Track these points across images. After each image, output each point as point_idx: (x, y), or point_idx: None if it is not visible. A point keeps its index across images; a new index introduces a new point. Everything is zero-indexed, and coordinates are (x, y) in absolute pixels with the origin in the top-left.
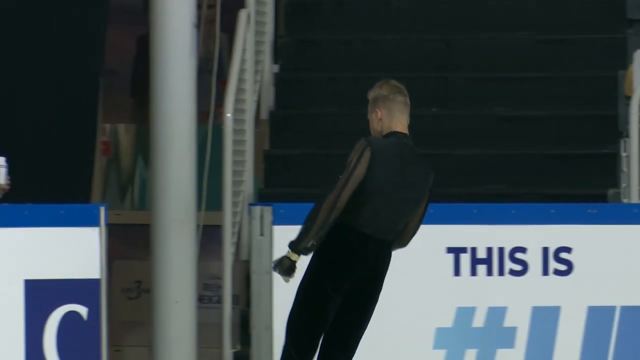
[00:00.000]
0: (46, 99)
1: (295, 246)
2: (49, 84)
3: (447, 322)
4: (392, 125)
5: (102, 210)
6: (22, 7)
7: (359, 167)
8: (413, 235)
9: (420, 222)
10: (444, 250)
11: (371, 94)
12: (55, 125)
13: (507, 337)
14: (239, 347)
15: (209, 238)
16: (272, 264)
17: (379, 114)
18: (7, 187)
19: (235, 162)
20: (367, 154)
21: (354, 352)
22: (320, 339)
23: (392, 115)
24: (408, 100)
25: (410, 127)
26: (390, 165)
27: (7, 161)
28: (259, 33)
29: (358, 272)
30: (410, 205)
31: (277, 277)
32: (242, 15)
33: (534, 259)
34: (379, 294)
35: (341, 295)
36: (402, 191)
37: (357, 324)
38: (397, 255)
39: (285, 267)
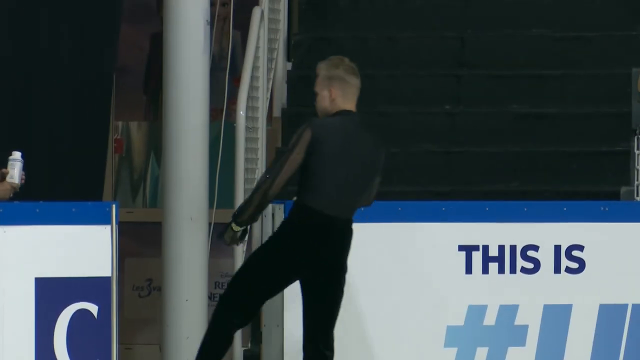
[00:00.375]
0: (59, 96)
1: (236, 219)
2: (62, 81)
3: (459, 320)
4: (342, 105)
5: (114, 208)
6: (37, 5)
7: (296, 150)
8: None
9: (372, 198)
10: (455, 248)
11: (324, 71)
12: (68, 122)
13: (518, 335)
14: (249, 345)
15: (220, 236)
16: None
17: (333, 93)
18: (17, 185)
19: (247, 160)
20: (307, 137)
21: (333, 336)
22: (255, 310)
23: (345, 97)
24: (360, 81)
25: (424, 124)
26: (336, 144)
27: (23, 157)
28: (272, 30)
29: (320, 254)
30: (363, 180)
31: None
32: (256, 12)
33: (545, 256)
34: (345, 272)
35: (297, 275)
36: (353, 167)
37: (331, 310)
38: (408, 252)
39: (230, 237)
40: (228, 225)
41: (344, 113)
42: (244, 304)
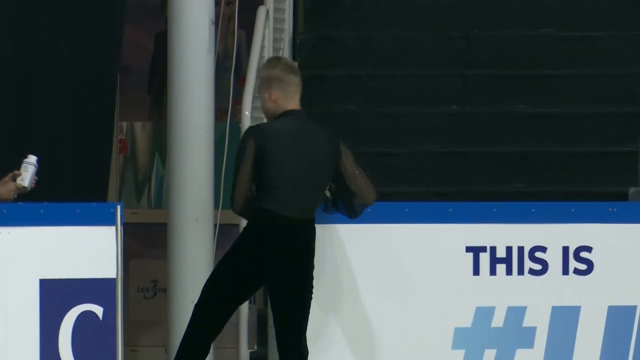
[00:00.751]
0: (61, 97)
1: None
2: (64, 81)
3: (466, 321)
4: (285, 106)
5: (119, 208)
6: (39, 4)
7: (243, 162)
8: (370, 190)
9: (362, 180)
10: (463, 249)
11: (262, 73)
12: (70, 123)
13: (526, 337)
14: (255, 347)
15: (226, 237)
16: None
17: (273, 95)
18: (25, 189)
19: None
20: (251, 145)
21: (305, 334)
22: (227, 315)
23: (286, 97)
24: (299, 78)
25: (430, 124)
26: (281, 146)
27: (38, 161)
28: (277, 30)
29: (281, 256)
30: (317, 179)
31: None
32: (261, 11)
33: (553, 258)
34: (311, 271)
35: (261, 278)
36: (303, 166)
37: (300, 311)
38: (415, 254)
39: None
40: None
41: (288, 113)
42: (215, 310)
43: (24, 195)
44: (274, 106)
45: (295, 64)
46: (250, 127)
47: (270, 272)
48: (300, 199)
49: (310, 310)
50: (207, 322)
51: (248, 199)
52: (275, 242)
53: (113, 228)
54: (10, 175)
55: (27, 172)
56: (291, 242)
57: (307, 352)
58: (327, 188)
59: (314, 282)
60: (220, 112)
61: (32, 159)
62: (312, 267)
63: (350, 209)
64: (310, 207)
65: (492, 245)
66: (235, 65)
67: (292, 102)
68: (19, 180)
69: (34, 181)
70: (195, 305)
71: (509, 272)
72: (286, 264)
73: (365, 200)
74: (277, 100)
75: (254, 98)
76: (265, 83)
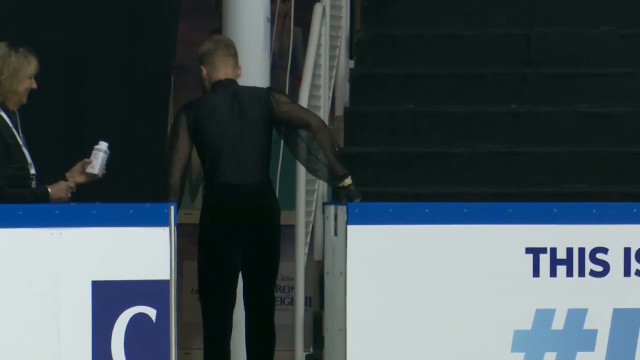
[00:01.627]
0: (117, 95)
1: None
2: (119, 80)
3: (526, 324)
4: (214, 78)
5: (172, 209)
6: (94, 4)
7: (175, 136)
8: (313, 116)
9: (301, 110)
10: (522, 250)
11: (198, 56)
12: (126, 122)
13: (587, 340)
14: (311, 350)
15: (282, 238)
16: None
17: (204, 71)
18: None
19: None
20: (183, 120)
21: (273, 305)
22: (228, 305)
23: (215, 68)
24: (233, 49)
25: (489, 124)
26: (217, 116)
27: (109, 148)
28: (334, 27)
29: (238, 222)
30: (255, 140)
31: (350, 279)
32: (317, 9)
33: (615, 259)
34: (275, 232)
35: (233, 251)
36: (240, 131)
37: (267, 273)
38: (473, 255)
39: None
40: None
41: (217, 84)
42: (214, 303)
43: (77, 195)
44: (208, 82)
45: (228, 39)
46: (182, 105)
47: (240, 242)
48: (246, 165)
49: (368, 314)
50: (218, 325)
51: (188, 175)
52: (232, 214)
53: (167, 229)
54: (80, 164)
55: (97, 159)
56: (246, 207)
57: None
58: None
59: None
60: None
61: (102, 145)
62: (275, 229)
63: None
64: (258, 169)
65: (553, 246)
66: (291, 63)
67: (222, 72)
68: (88, 169)
69: (105, 170)
70: (202, 314)
71: (569, 273)
72: (249, 230)
73: (314, 128)
74: (209, 74)
75: (311, 97)
76: (199, 63)
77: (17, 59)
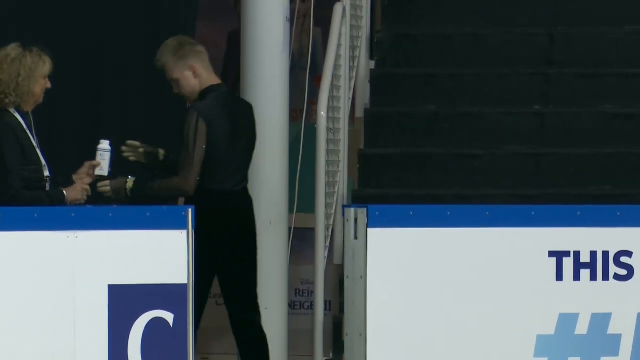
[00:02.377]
0: (134, 96)
1: (139, 187)
2: (137, 80)
3: (549, 328)
4: (209, 79)
5: (190, 212)
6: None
7: (198, 144)
8: None
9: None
10: (545, 254)
11: (171, 57)
12: (145, 122)
13: (611, 345)
14: (331, 355)
15: (301, 241)
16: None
17: (197, 69)
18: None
19: (328, 162)
20: (202, 127)
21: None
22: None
23: (207, 67)
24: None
25: (512, 125)
26: (224, 124)
27: (111, 144)
28: (354, 27)
29: (237, 230)
30: (250, 149)
31: (371, 283)
32: (337, 8)
33: None
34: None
35: (224, 256)
36: (242, 140)
37: (253, 277)
38: (496, 258)
39: (115, 190)
40: (124, 182)
41: (216, 88)
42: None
43: (93, 198)
44: (198, 82)
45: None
46: (195, 108)
47: (224, 247)
48: (241, 172)
49: (388, 318)
50: None
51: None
52: (226, 219)
53: (184, 232)
54: (87, 166)
55: (105, 159)
56: (242, 212)
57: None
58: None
59: None
60: (295, 113)
61: (105, 144)
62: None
63: None
64: (246, 176)
65: (576, 249)
66: (311, 64)
67: (213, 75)
68: (97, 171)
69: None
70: None
71: (593, 277)
72: (239, 237)
73: None
74: (202, 73)
75: (331, 98)
76: (180, 62)
77: (32, 59)
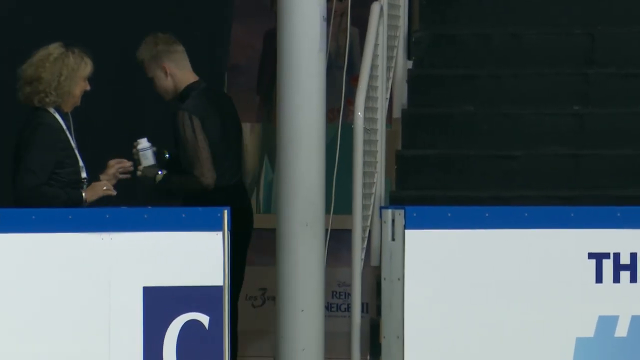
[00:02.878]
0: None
1: (163, 181)
2: None
3: (588, 331)
4: (184, 78)
5: (225, 213)
6: (146, 4)
7: (200, 137)
8: None
9: None
10: (585, 255)
11: (145, 54)
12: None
13: None
14: (368, 358)
15: (337, 243)
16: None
17: (168, 69)
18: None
19: (366, 163)
20: (198, 122)
21: None
22: None
23: (181, 67)
24: (182, 46)
25: (551, 125)
26: (214, 120)
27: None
28: (392, 27)
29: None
30: (239, 139)
31: (408, 285)
32: (375, 8)
33: None
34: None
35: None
36: (230, 132)
37: (242, 273)
38: (534, 260)
39: (145, 174)
40: (155, 172)
41: (195, 87)
42: None
43: (127, 199)
44: (172, 82)
45: (172, 36)
46: (183, 109)
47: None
48: (237, 165)
49: (426, 321)
50: None
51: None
52: (239, 208)
53: (220, 233)
54: (115, 167)
55: (148, 158)
56: (237, 208)
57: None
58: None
59: None
60: (332, 113)
61: (144, 143)
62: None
63: None
64: (241, 168)
65: (616, 251)
66: (348, 63)
67: (190, 72)
68: (145, 163)
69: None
70: None
71: (633, 279)
72: (239, 230)
73: None
74: (174, 73)
75: (368, 98)
76: (152, 62)
77: (74, 59)
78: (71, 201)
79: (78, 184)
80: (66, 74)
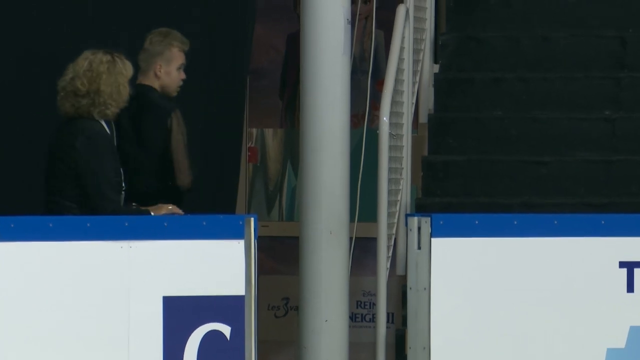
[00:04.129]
0: (192, 100)
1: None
2: (193, 86)
3: (620, 342)
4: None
5: (252, 221)
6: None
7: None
8: None
9: None
10: (616, 264)
11: (157, 48)
12: (200, 129)
13: None
14: None
15: (362, 251)
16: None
17: (162, 70)
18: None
19: (391, 170)
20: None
21: None
22: None
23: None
24: None
25: (582, 130)
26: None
27: None
28: (418, 30)
29: None
30: None
31: (435, 294)
32: (400, 10)
33: None
34: None
35: None
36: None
37: None
38: (563, 269)
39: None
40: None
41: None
42: None
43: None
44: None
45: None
46: (170, 105)
47: None
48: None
49: (452, 331)
50: None
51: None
52: None
53: (241, 242)
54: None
55: None
56: None
57: None
58: None
59: None
60: (356, 118)
61: None
62: None
63: None
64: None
65: None
66: (373, 68)
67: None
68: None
69: None
70: None
71: None
72: None
73: None
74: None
75: (393, 103)
76: (159, 57)
77: (122, 65)
78: None
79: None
80: (122, 82)
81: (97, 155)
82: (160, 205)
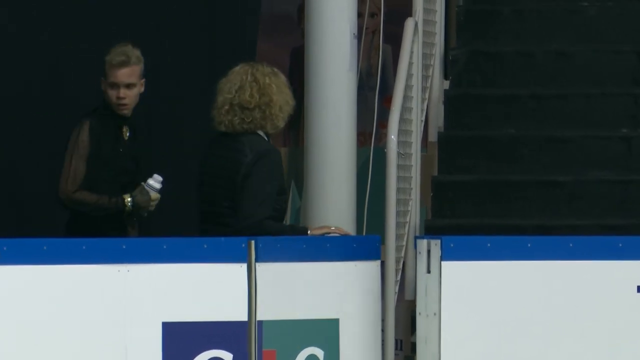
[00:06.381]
0: (192, 116)
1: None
2: (195, 100)
3: None
4: None
5: (252, 244)
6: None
7: None
8: None
9: None
10: (634, 288)
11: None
12: (202, 144)
13: None
14: None
15: None
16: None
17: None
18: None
19: (399, 190)
20: None
21: None
22: None
23: None
24: None
25: (598, 149)
26: None
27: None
28: (427, 44)
29: None
30: None
31: (445, 320)
32: (409, 24)
33: None
34: None
35: None
36: None
37: None
38: (580, 293)
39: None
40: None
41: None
42: None
43: (145, 229)
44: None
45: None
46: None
47: None
48: None
49: (465, 358)
50: None
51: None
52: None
53: (244, 265)
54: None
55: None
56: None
57: None
58: None
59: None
60: (363, 136)
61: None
62: None
63: None
64: None
65: None
66: (380, 84)
67: None
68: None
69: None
70: None
71: None
72: None
73: None
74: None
75: (402, 120)
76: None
77: (262, 72)
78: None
79: None
80: (287, 92)
81: (261, 172)
82: (323, 225)
